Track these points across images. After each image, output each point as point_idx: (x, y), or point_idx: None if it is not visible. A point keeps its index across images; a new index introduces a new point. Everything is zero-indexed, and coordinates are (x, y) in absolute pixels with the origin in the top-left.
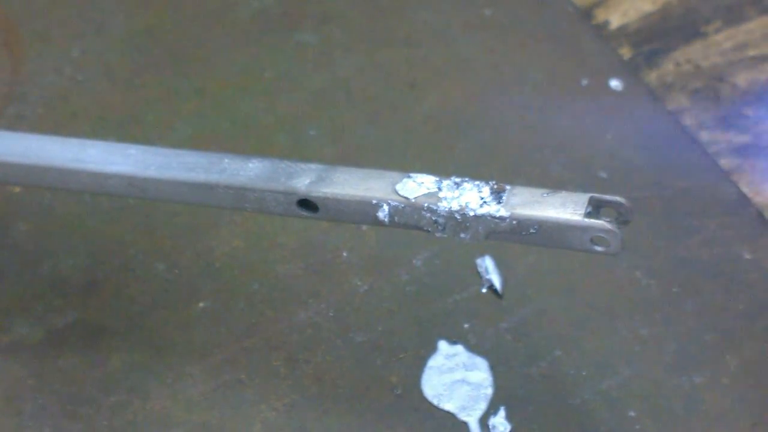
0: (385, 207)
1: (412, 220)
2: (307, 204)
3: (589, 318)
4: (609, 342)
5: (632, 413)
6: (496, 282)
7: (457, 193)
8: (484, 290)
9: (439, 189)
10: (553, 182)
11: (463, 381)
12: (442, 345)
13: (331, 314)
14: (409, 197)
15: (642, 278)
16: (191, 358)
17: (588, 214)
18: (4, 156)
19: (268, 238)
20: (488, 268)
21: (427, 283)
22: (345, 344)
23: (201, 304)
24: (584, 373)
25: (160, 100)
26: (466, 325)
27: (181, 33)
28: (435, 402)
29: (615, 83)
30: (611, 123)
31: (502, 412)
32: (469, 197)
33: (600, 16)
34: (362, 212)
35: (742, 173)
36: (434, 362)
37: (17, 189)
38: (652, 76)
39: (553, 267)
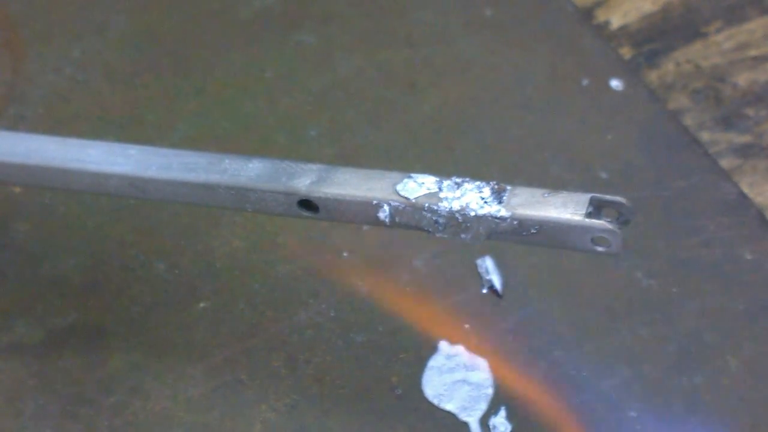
0: (386, 207)
1: (413, 221)
2: (307, 204)
3: (589, 318)
4: (609, 342)
5: (632, 413)
6: (497, 282)
7: (457, 193)
8: (484, 291)
9: (440, 189)
10: (554, 182)
11: (464, 381)
12: (443, 345)
13: (331, 314)
14: (409, 197)
15: (642, 278)
16: (191, 358)
17: (589, 214)
18: (5, 156)
19: (269, 238)
20: (489, 268)
21: (427, 284)
22: (345, 344)
23: (201, 305)
24: (584, 374)
25: (160, 100)
26: (466, 326)
27: (181, 33)
28: (436, 402)
29: (615, 83)
30: (611, 123)
31: (502, 413)
32: (470, 197)
33: (600, 16)
34: (363, 212)
35: (743, 173)
36: (435, 362)
37: (17, 189)
38: (652, 76)
39: (554, 267)
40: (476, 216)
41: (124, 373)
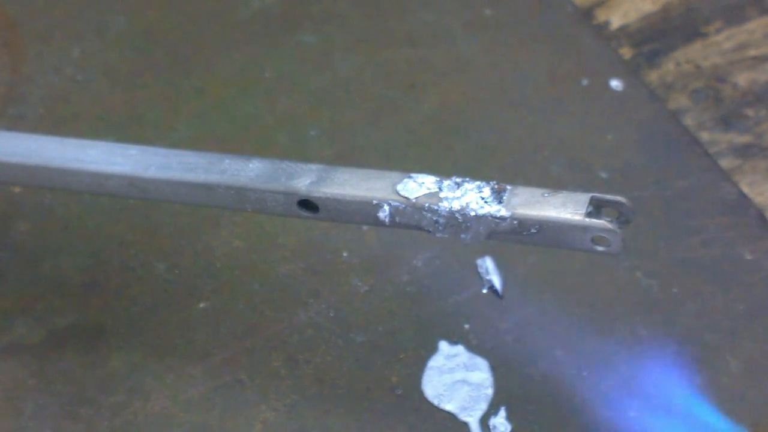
0: (386, 207)
1: (413, 221)
2: (307, 204)
3: (589, 318)
4: (609, 342)
5: (632, 413)
6: (497, 282)
7: (458, 193)
8: (484, 291)
9: (440, 189)
10: (554, 182)
11: (464, 381)
12: (443, 345)
13: (331, 314)
14: (409, 197)
15: (642, 278)
16: (191, 358)
17: (589, 214)
18: (5, 156)
19: (269, 238)
20: (488, 268)
21: (427, 284)
22: (345, 344)
23: (201, 304)
24: (584, 374)
25: (160, 100)
26: (466, 326)
27: (181, 33)
28: (435, 402)
29: (615, 83)
30: (611, 123)
31: (502, 413)
32: (470, 197)
33: (600, 16)
34: (363, 212)
35: (743, 173)
36: (435, 363)
37: (17, 189)
38: (652, 76)
39: (554, 267)
40: (476, 216)
41: (124, 373)
